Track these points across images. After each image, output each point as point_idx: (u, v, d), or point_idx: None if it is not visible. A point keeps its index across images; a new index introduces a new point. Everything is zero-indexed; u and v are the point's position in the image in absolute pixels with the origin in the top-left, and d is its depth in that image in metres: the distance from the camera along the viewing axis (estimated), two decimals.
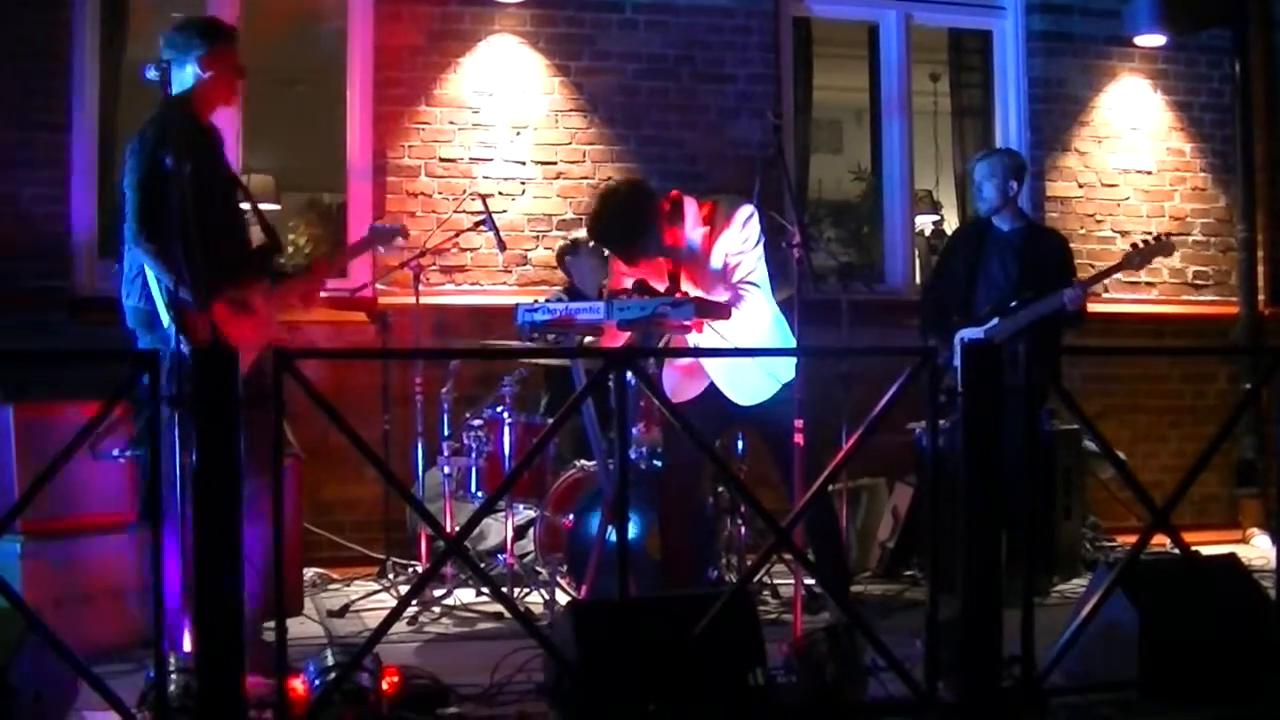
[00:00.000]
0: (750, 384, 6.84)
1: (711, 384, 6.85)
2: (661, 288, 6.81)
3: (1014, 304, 7.79)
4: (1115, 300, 9.81)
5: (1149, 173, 10.54)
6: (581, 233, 8.79)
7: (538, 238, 9.32)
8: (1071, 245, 8.40)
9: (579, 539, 7.24)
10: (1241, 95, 10.55)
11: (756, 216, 6.88)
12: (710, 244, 6.84)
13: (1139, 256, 8.02)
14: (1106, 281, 8.66)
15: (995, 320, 7.82)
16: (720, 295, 6.78)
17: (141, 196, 5.99)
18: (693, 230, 6.85)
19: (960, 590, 5.18)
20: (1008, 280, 7.96)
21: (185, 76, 6.08)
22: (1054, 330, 7.88)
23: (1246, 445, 10.38)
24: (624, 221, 6.78)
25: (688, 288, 6.83)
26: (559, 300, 7.75)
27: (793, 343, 6.46)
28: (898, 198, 10.33)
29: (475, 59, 9.27)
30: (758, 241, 6.84)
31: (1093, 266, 9.28)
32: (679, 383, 6.93)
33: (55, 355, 7.35)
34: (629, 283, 6.65)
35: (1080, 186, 10.34)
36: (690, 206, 6.90)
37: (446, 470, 7.67)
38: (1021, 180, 8.17)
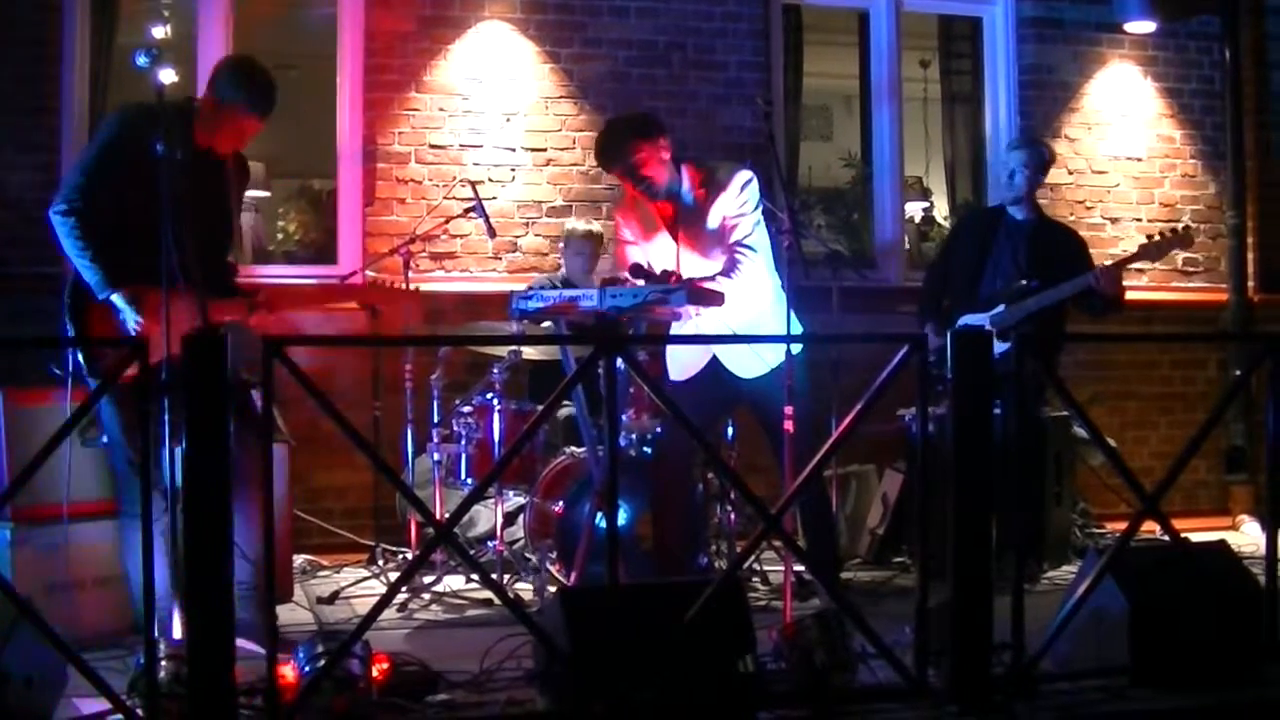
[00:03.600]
0: (751, 357, 6.84)
1: (714, 358, 6.86)
2: (664, 237, 6.84)
3: (1021, 292, 7.78)
4: None
5: (1139, 159, 10.55)
6: (573, 222, 8.80)
7: (527, 224, 9.31)
8: None
9: (569, 526, 7.23)
10: (1232, 82, 10.54)
11: (755, 182, 6.88)
12: (707, 206, 6.84)
13: (1156, 248, 8.00)
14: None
15: (1001, 307, 7.81)
16: (717, 258, 6.79)
17: (86, 173, 6.09)
18: (688, 193, 6.87)
19: (950, 577, 5.19)
20: (1017, 269, 7.95)
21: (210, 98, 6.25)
22: (1056, 320, 7.88)
23: (1236, 432, 10.39)
24: (626, 128, 6.94)
25: (685, 251, 6.84)
26: (554, 286, 7.76)
27: (791, 315, 6.47)
28: (888, 184, 10.33)
29: (465, 45, 9.26)
30: (756, 206, 6.83)
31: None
32: (682, 358, 6.95)
33: (45, 341, 7.32)
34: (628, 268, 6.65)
35: (1070, 173, 10.34)
36: (685, 171, 6.91)
37: (436, 457, 7.67)
38: (1046, 174, 8.22)
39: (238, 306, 6.28)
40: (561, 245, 8.84)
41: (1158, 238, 7.99)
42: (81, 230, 6.04)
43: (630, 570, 6.80)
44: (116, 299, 5.96)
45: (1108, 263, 7.89)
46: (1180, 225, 8.10)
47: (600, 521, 6.60)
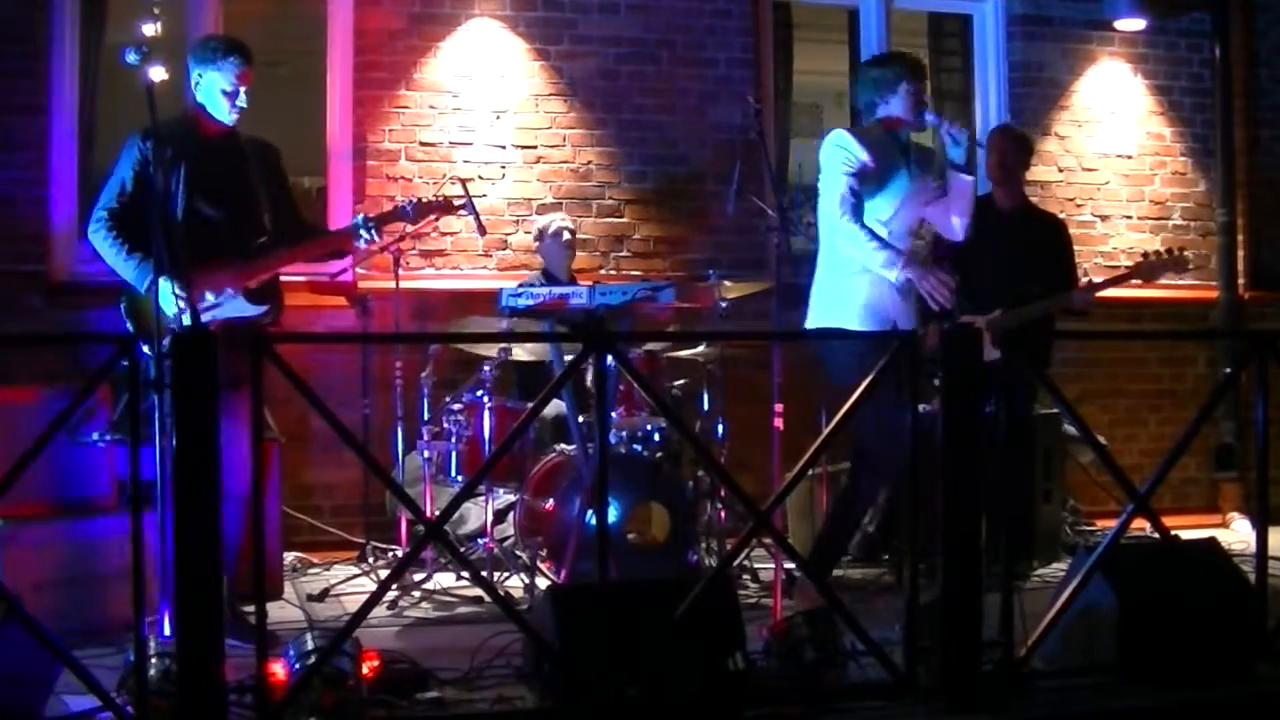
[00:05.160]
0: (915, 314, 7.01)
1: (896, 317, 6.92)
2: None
3: (1021, 297, 7.78)
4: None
5: (1129, 157, 10.54)
6: (549, 217, 8.81)
7: (518, 222, 9.30)
8: None
9: (559, 523, 7.23)
10: (1222, 79, 10.55)
11: None
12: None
13: (1149, 269, 8.03)
14: (1086, 265, 8.68)
15: (998, 312, 7.80)
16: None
17: (110, 193, 6.44)
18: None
19: (940, 574, 5.20)
20: (1005, 259, 7.94)
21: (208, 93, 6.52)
22: (1048, 320, 7.89)
23: (1225, 429, 10.40)
24: None
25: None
26: (540, 284, 7.75)
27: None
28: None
29: (455, 43, 9.25)
30: None
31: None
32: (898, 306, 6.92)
33: (32, 339, 7.33)
34: None
35: (1060, 171, 10.35)
36: None
37: (426, 454, 7.67)
38: (1018, 160, 8.26)
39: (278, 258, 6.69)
40: (540, 240, 8.82)
41: (1153, 258, 8.01)
42: (115, 234, 6.34)
43: (620, 567, 6.80)
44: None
45: (1095, 279, 7.87)
46: (1176, 249, 8.11)
47: (590, 519, 6.60)
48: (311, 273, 8.46)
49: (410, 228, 7.49)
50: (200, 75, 6.49)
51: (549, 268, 8.71)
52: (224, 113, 6.51)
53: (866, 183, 6.84)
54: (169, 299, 5.99)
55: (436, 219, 7.55)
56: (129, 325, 6.29)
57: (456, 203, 7.69)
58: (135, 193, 6.34)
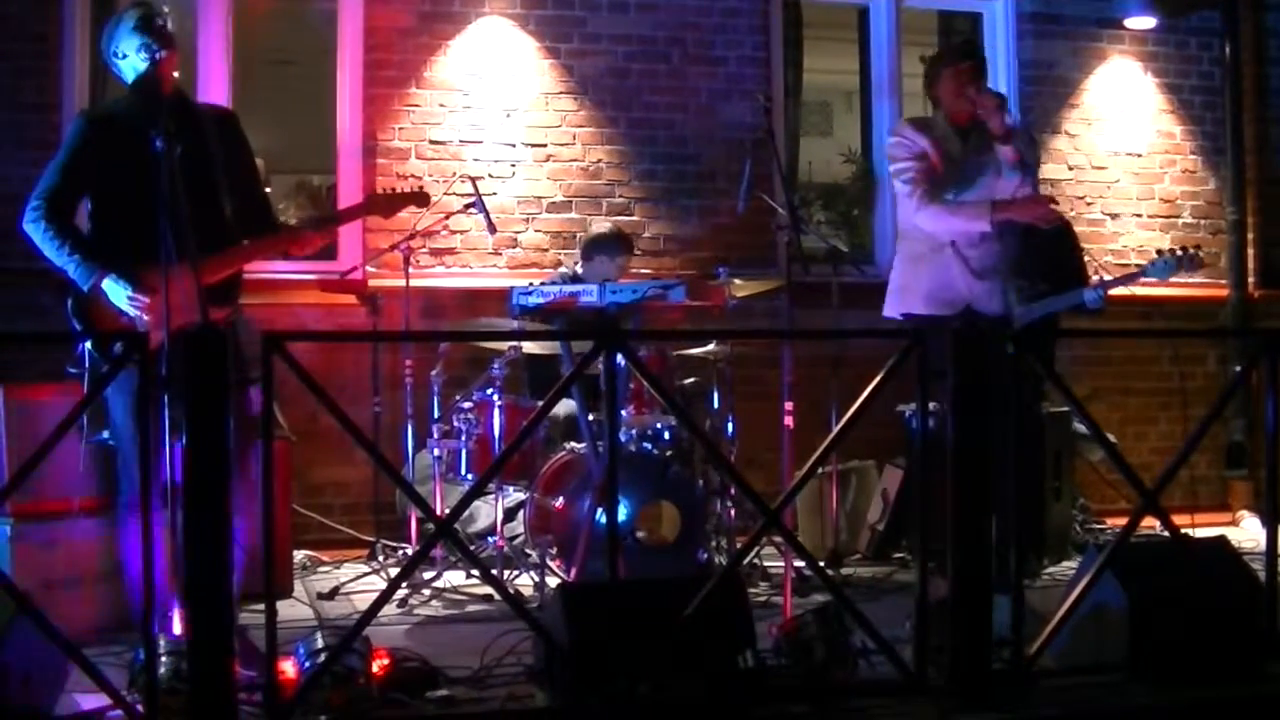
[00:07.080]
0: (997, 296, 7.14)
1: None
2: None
3: (1030, 296, 7.76)
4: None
5: (1139, 155, 10.54)
6: (600, 224, 8.75)
7: (528, 220, 9.31)
8: None
9: (569, 521, 7.23)
10: (1232, 77, 10.55)
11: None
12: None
13: (1164, 266, 8.00)
14: (1096, 263, 8.66)
15: (1018, 309, 7.79)
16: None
17: (51, 177, 6.05)
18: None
19: (950, 573, 5.19)
20: (1012, 258, 7.92)
21: (137, 63, 5.98)
22: (1053, 316, 7.88)
23: (1236, 428, 10.39)
24: None
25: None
26: (558, 283, 7.74)
27: None
28: (888, 180, 10.31)
29: (465, 41, 9.26)
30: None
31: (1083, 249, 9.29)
32: (940, 295, 6.98)
33: (44, 337, 7.32)
34: None
35: (1070, 169, 10.34)
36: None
37: (436, 452, 7.66)
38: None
39: (230, 258, 6.16)
40: (594, 250, 8.56)
41: (1167, 255, 7.99)
42: (54, 229, 5.97)
43: (630, 566, 6.80)
44: (107, 283, 5.88)
45: (1102, 284, 7.82)
46: (1192, 248, 8.09)
47: (600, 517, 6.60)
48: (322, 271, 8.47)
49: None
50: (117, 50, 5.98)
51: (585, 277, 8.51)
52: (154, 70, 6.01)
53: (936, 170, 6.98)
54: (121, 300, 5.88)
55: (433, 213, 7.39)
56: (77, 325, 6.02)
57: (458, 198, 7.67)
58: (71, 184, 6.03)
